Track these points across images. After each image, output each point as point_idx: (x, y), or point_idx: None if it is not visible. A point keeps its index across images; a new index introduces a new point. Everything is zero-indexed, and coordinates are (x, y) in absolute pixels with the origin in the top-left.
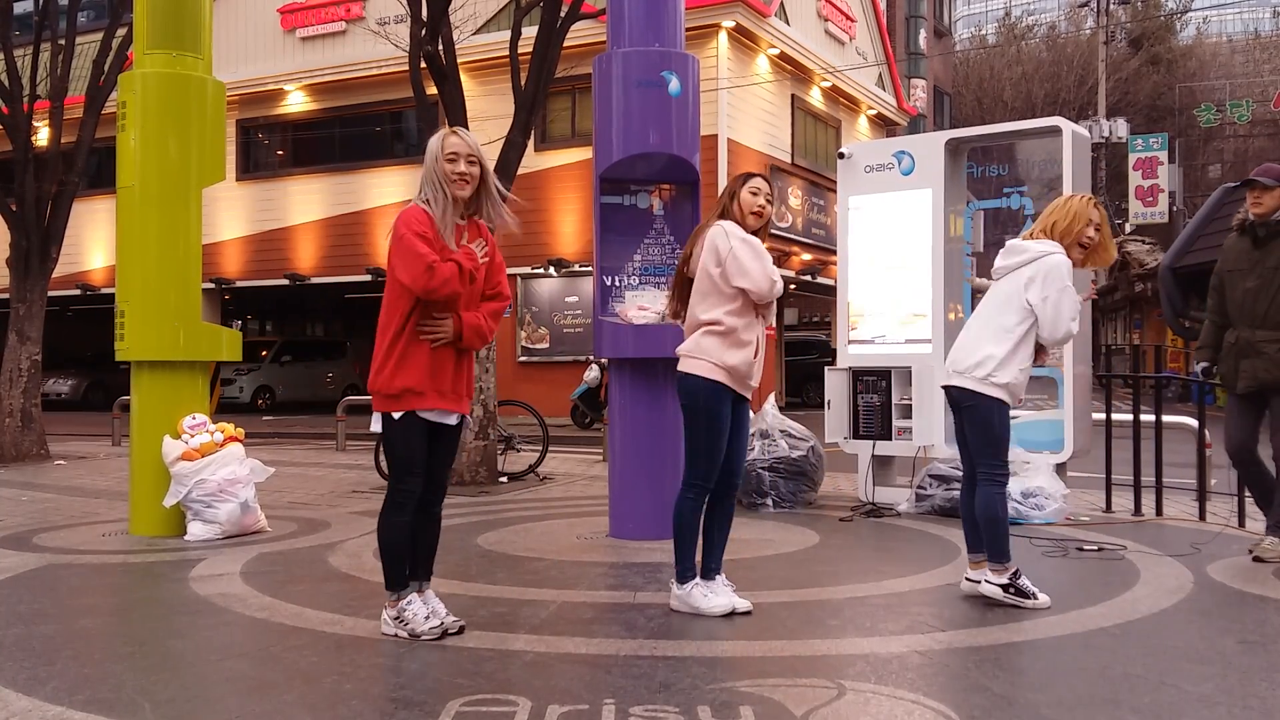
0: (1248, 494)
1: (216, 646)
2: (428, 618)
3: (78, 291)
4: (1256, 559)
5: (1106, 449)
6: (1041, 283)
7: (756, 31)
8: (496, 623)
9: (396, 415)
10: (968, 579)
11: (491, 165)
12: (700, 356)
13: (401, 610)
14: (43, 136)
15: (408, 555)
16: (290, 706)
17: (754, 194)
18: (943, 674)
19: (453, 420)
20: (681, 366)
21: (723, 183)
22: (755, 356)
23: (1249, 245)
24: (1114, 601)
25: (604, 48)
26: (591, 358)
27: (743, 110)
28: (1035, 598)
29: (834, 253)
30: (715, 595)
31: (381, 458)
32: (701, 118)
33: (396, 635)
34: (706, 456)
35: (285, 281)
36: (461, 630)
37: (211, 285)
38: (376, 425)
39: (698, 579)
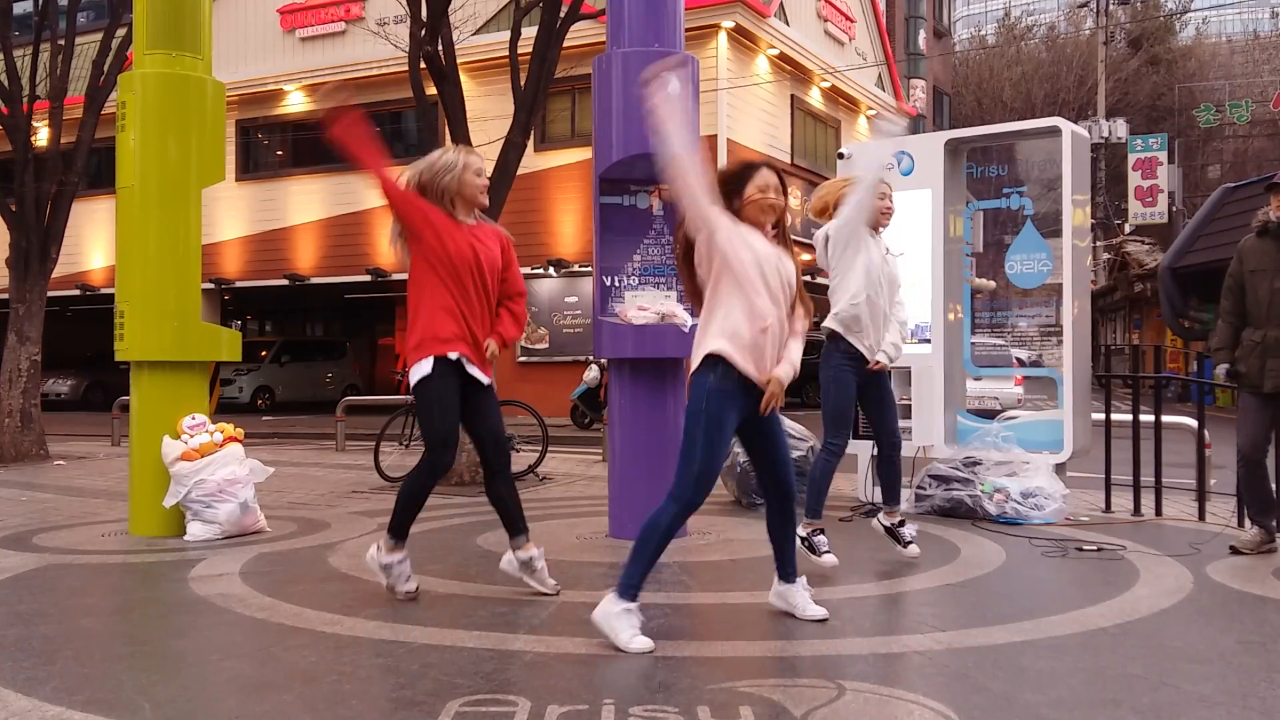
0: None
1: (216, 646)
2: (408, 579)
3: (77, 291)
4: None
5: (1106, 449)
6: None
7: (756, 32)
8: (496, 623)
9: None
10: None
11: (491, 165)
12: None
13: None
14: (42, 137)
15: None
16: (290, 706)
17: (762, 191)
18: (943, 674)
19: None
20: None
21: None
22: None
23: (1273, 246)
24: (1113, 601)
25: (604, 48)
26: (591, 358)
27: (742, 110)
28: (821, 556)
29: None
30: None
31: (382, 458)
32: (701, 118)
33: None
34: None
35: (285, 281)
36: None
37: (211, 285)
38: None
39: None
